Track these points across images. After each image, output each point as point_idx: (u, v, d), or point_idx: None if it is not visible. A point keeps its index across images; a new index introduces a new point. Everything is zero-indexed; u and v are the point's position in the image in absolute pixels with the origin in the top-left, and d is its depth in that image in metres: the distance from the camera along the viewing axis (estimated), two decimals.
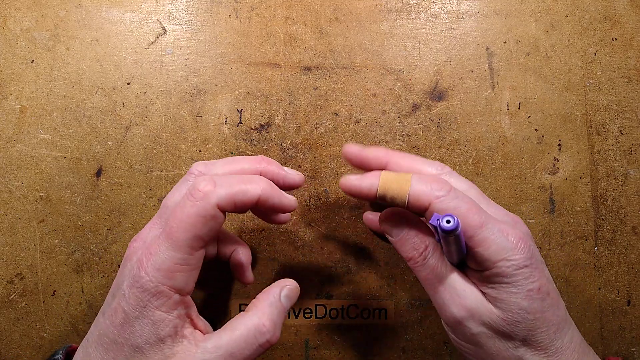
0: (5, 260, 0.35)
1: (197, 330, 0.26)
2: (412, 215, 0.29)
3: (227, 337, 0.25)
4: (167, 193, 0.28)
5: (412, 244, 0.28)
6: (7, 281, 0.35)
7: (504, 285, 0.26)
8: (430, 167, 0.29)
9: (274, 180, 0.28)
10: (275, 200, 0.27)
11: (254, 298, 0.27)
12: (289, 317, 0.36)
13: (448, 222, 0.24)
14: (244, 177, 0.26)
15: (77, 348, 0.29)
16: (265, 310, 0.26)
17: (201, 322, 0.27)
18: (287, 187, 0.29)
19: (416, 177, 0.27)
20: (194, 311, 0.26)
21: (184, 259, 0.24)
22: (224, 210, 0.25)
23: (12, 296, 0.35)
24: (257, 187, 0.26)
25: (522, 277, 0.25)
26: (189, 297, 0.26)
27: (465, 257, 0.27)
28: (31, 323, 0.35)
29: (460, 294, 0.27)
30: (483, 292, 0.27)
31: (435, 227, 0.25)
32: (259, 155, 0.29)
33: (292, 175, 0.29)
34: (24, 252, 0.35)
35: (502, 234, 0.26)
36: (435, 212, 0.25)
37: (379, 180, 0.27)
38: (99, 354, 0.25)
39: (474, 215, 0.26)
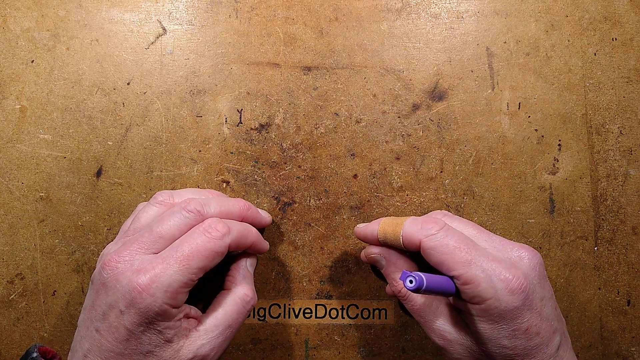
0: (5, 260, 0.35)
1: (192, 319, 0.29)
2: (393, 252, 0.32)
3: (221, 313, 0.29)
4: (142, 214, 0.31)
5: (391, 280, 0.32)
6: (7, 281, 0.35)
7: (490, 322, 0.26)
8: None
9: (254, 222, 0.33)
10: (260, 246, 0.32)
11: (227, 274, 0.32)
12: (289, 317, 0.36)
13: (411, 282, 0.25)
14: (243, 225, 0.31)
15: (48, 349, 0.30)
16: (242, 283, 0.31)
17: (193, 310, 0.29)
18: (262, 227, 0.35)
19: (410, 219, 0.30)
20: (187, 308, 0.29)
21: (188, 283, 0.27)
22: (229, 249, 0.29)
23: (12, 296, 0.35)
24: (253, 236, 0.31)
25: (510, 317, 0.26)
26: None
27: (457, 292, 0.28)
28: (31, 323, 0.35)
29: (443, 332, 0.29)
30: (469, 324, 0.28)
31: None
32: (239, 199, 0.33)
33: (267, 217, 0.35)
34: (24, 252, 0.35)
35: (492, 272, 0.26)
36: (404, 270, 0.26)
37: (379, 225, 0.31)
38: None
39: (461, 252, 0.27)
